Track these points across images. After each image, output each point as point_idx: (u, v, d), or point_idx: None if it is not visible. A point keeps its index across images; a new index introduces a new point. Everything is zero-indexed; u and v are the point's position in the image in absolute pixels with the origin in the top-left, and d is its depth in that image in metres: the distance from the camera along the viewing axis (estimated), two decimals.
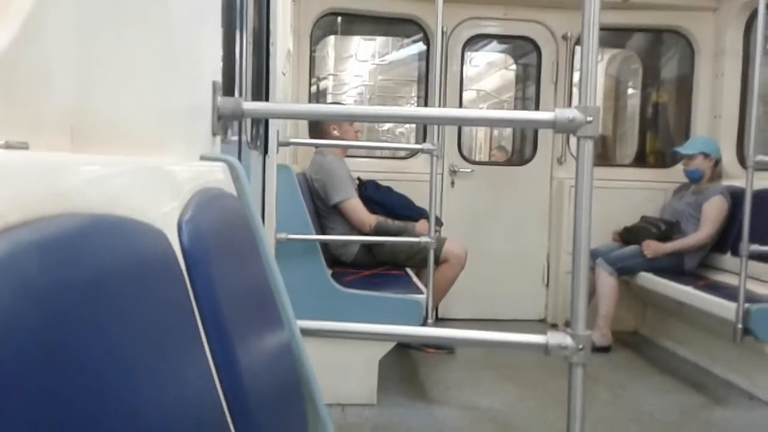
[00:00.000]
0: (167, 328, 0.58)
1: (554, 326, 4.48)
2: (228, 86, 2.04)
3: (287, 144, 2.99)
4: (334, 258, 3.67)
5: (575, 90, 4.56)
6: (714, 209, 3.85)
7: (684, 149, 4.05)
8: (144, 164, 0.69)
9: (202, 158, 1.14)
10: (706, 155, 3.96)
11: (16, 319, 0.34)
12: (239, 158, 2.34)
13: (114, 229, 0.51)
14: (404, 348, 3.74)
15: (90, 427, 0.40)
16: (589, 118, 1.14)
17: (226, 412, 0.74)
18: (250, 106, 1.27)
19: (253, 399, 0.83)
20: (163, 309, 0.58)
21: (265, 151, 2.64)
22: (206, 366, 0.69)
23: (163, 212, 0.67)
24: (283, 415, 1.03)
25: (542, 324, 4.59)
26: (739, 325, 3.02)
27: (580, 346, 1.16)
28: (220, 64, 1.32)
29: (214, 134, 1.26)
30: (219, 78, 1.30)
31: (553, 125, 1.16)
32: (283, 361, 1.12)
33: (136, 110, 0.78)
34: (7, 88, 0.47)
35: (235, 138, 2.20)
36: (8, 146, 0.44)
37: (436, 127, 3.44)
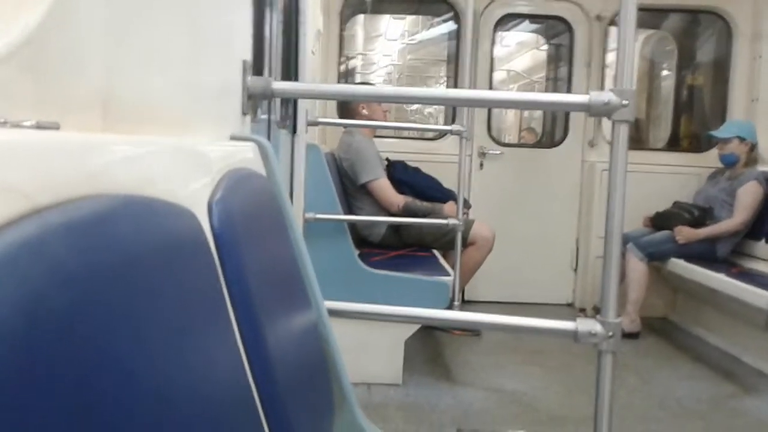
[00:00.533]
0: (197, 310, 0.58)
1: (582, 311, 4.45)
2: (257, 65, 2.03)
3: (316, 123, 2.99)
4: (361, 238, 3.67)
5: (608, 72, 4.47)
6: (749, 195, 3.77)
7: (719, 133, 3.96)
8: (174, 144, 0.69)
9: (232, 138, 1.13)
10: (741, 139, 3.87)
11: (45, 302, 0.34)
12: (268, 137, 2.35)
13: (144, 210, 0.51)
14: (430, 329, 3.74)
15: (118, 409, 0.40)
16: (625, 102, 1.12)
17: (255, 393, 0.74)
18: (280, 86, 1.26)
19: (281, 380, 0.83)
20: (192, 291, 0.58)
21: (294, 131, 2.64)
22: (235, 347, 0.69)
23: (193, 193, 0.67)
24: (310, 395, 1.03)
25: (570, 308, 4.56)
26: None
27: (610, 334, 1.14)
28: (251, 43, 1.31)
29: (243, 114, 1.26)
30: (249, 57, 1.30)
31: (588, 108, 1.13)
32: (311, 342, 1.13)
33: (167, 90, 0.78)
34: (38, 68, 0.47)
35: (264, 117, 2.20)
36: (39, 126, 0.44)
37: (465, 109, 3.41)
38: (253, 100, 1.36)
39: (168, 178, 0.60)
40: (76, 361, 0.36)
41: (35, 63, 0.46)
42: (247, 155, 1.08)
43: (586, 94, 1.14)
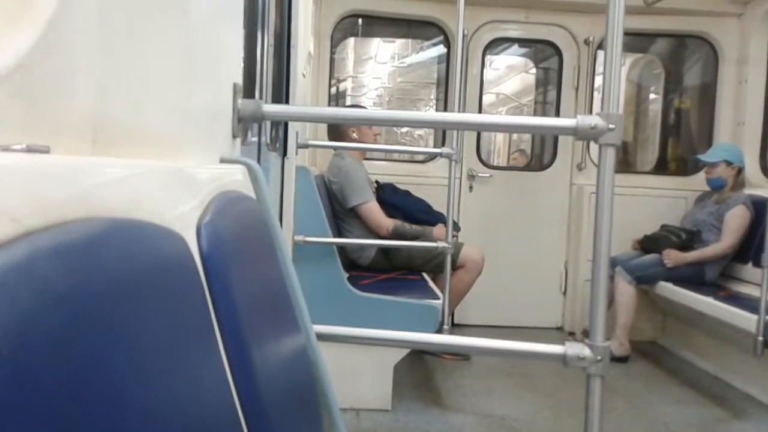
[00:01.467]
0: (184, 333, 0.58)
1: (571, 334, 4.45)
2: (248, 88, 2.04)
3: (306, 146, 3.00)
4: (351, 261, 3.67)
5: (596, 95, 4.52)
6: (736, 219, 3.80)
7: (706, 157, 4.00)
8: (163, 167, 0.69)
9: (222, 161, 1.13)
10: (728, 163, 3.91)
11: (35, 325, 0.34)
12: (258, 160, 2.35)
13: (133, 233, 0.50)
14: (419, 354, 3.73)
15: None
16: (612, 126, 1.13)
17: (241, 417, 0.73)
18: (271, 108, 1.26)
19: (268, 404, 0.83)
20: (180, 314, 0.58)
21: (284, 153, 2.64)
22: (222, 371, 0.69)
23: (182, 216, 0.67)
24: (298, 421, 1.02)
25: (559, 332, 4.56)
26: (760, 338, 2.98)
27: (599, 358, 1.14)
28: (241, 65, 1.32)
29: (234, 136, 1.26)
30: (240, 80, 1.30)
31: (575, 132, 1.14)
32: (299, 367, 1.12)
33: (157, 113, 0.78)
34: (29, 92, 0.47)
35: (255, 139, 2.20)
36: (30, 150, 0.44)
37: (455, 132, 3.43)
38: (243, 123, 1.36)
39: (157, 200, 0.59)
40: (65, 384, 0.36)
41: (26, 87, 0.47)
42: (236, 178, 1.08)
43: (573, 118, 1.15)
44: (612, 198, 1.16)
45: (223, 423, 0.68)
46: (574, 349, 1.16)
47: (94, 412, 0.40)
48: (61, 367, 0.37)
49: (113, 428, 0.42)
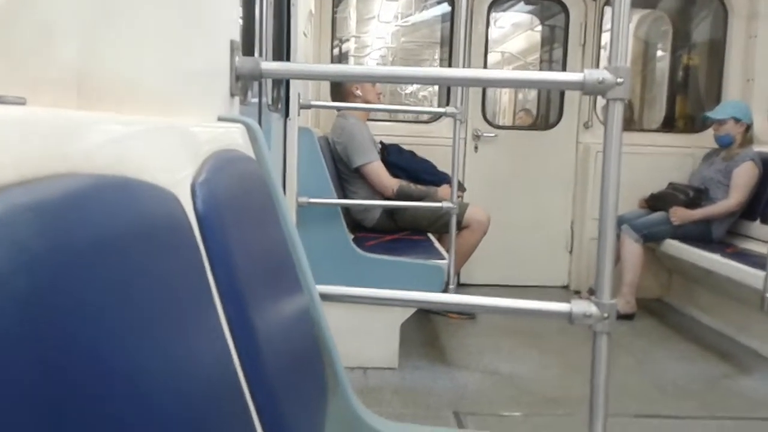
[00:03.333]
0: (178, 294, 0.56)
1: (577, 293, 4.45)
2: (248, 48, 2.00)
3: (308, 107, 2.96)
4: (356, 223, 3.65)
5: (603, 52, 4.44)
6: (744, 176, 3.76)
7: (714, 114, 3.95)
8: (155, 123, 0.67)
9: (220, 120, 1.11)
10: (737, 120, 3.85)
11: (6, 286, 0.32)
12: (259, 121, 2.32)
13: (120, 190, 0.48)
14: (426, 313, 3.74)
15: (90, 404, 0.38)
16: (620, 80, 1.09)
17: (243, 381, 0.72)
18: (269, 66, 1.23)
19: (270, 365, 0.82)
20: (174, 274, 0.56)
21: (286, 114, 2.61)
22: (220, 333, 0.67)
23: (175, 174, 0.65)
24: (302, 381, 1.02)
25: (565, 290, 4.56)
26: (766, 294, 2.96)
27: (605, 315, 1.13)
28: (239, 22, 1.28)
29: (232, 95, 1.24)
30: (237, 37, 1.27)
31: (582, 87, 1.11)
32: (302, 327, 1.11)
33: (148, 68, 0.76)
34: (3, 42, 0.45)
35: (255, 100, 2.17)
36: (3, 101, 0.42)
37: (459, 90, 3.38)
38: (242, 82, 1.33)
39: (146, 157, 0.57)
40: (42, 350, 0.34)
41: (1, 37, 0.44)
42: (235, 137, 1.06)
43: (580, 72, 1.12)
44: (619, 154, 1.14)
45: (224, 388, 0.66)
46: (581, 306, 1.15)
47: (74, 382, 0.37)
48: (37, 333, 0.35)
49: (97, 400, 0.40)
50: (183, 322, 0.55)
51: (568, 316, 1.15)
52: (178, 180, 0.65)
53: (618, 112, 1.11)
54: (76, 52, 0.55)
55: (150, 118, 0.67)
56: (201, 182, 0.70)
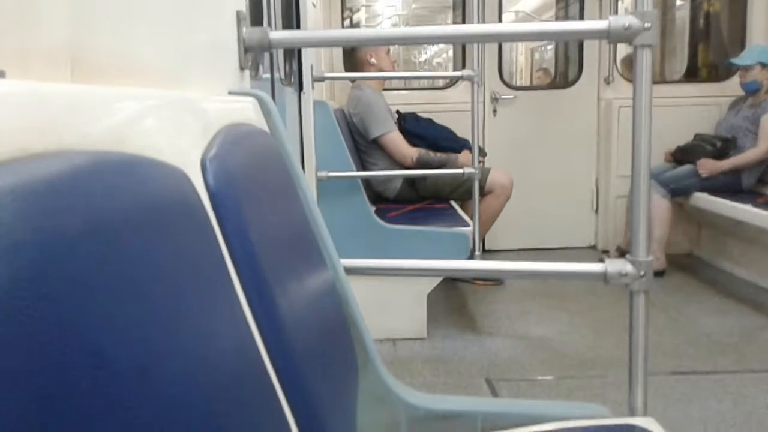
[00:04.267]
0: (193, 276, 0.52)
1: (605, 252, 4.39)
2: (257, 20, 1.96)
3: (322, 79, 2.91)
4: (377, 194, 3.62)
5: (621, 4, 4.31)
6: None
7: (740, 60, 3.82)
8: (158, 97, 0.63)
9: (230, 94, 1.07)
10: (764, 65, 3.73)
11: None
12: (273, 97, 2.28)
13: (120, 168, 0.44)
14: (452, 282, 3.71)
15: (95, 395, 0.34)
16: (647, 24, 1.03)
17: (267, 361, 0.69)
18: (278, 35, 1.19)
19: (295, 345, 0.79)
20: (186, 255, 0.52)
21: (300, 88, 2.56)
22: (241, 315, 0.64)
23: (182, 150, 0.60)
24: (330, 358, 0.99)
25: (592, 251, 4.50)
26: None
27: (642, 273, 1.08)
28: None
29: (241, 68, 1.20)
30: (244, 8, 1.22)
31: (608, 35, 1.05)
32: (328, 303, 1.08)
33: (148, 42, 0.71)
34: None
35: (267, 76, 2.13)
36: None
37: (475, 53, 3.30)
38: (252, 55, 1.29)
39: (149, 133, 0.53)
40: (34, 347, 0.31)
41: None
42: (246, 111, 1.02)
43: (605, 20, 1.06)
44: (650, 104, 1.08)
45: (249, 371, 0.63)
46: (615, 265, 1.10)
47: (72, 379, 0.34)
48: (24, 327, 0.31)
49: (100, 397, 0.36)
50: (199, 306, 0.52)
51: (603, 277, 1.11)
52: (186, 155, 0.61)
53: (647, 58, 1.06)
54: (66, 24, 0.51)
55: (152, 92, 0.64)
56: (211, 157, 0.67)
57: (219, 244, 0.63)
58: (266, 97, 1.12)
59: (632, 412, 1.15)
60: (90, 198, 0.38)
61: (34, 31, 0.47)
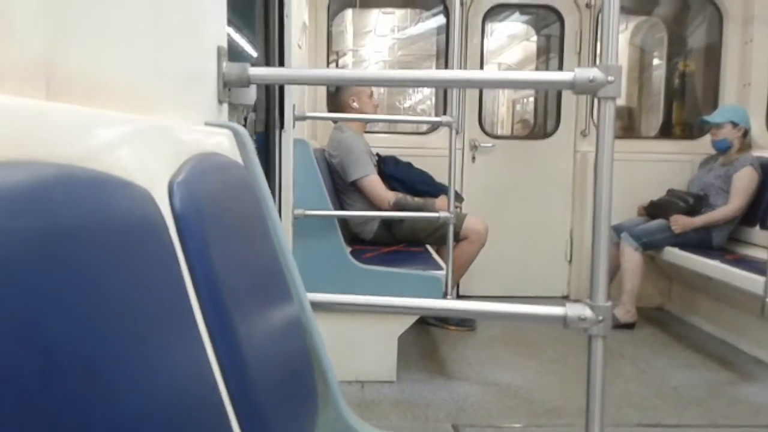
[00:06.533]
0: (151, 296, 0.53)
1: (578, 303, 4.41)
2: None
3: (303, 118, 2.95)
4: (354, 235, 3.64)
5: (599, 61, 4.43)
6: (744, 180, 3.74)
7: (712, 118, 3.94)
8: (131, 120, 0.64)
9: (207, 125, 1.10)
10: (734, 124, 3.84)
11: None
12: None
13: (85, 182, 0.45)
14: (424, 325, 3.71)
15: (40, 404, 0.35)
16: (611, 78, 1.08)
17: (223, 391, 0.69)
18: (258, 72, 1.22)
19: (255, 377, 0.79)
20: (145, 275, 0.53)
21: (281, 126, 2.60)
22: (198, 337, 0.64)
23: (150, 172, 0.62)
24: (290, 392, 0.99)
25: (565, 301, 4.53)
26: (767, 299, 2.94)
27: (600, 318, 1.11)
28: (225, 29, 1.27)
29: (220, 102, 1.22)
30: (224, 43, 1.26)
31: (572, 86, 1.10)
32: (292, 337, 1.09)
33: (128, 66, 0.73)
34: None
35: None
36: None
37: (455, 100, 3.37)
38: (231, 89, 1.32)
39: (118, 153, 0.54)
40: None
41: None
42: (221, 142, 1.04)
43: (571, 72, 1.10)
44: (612, 154, 1.12)
45: (203, 401, 0.62)
46: (575, 310, 1.12)
47: (21, 387, 0.34)
48: None
49: (55, 416, 0.37)
50: (154, 323, 0.52)
51: (563, 320, 1.13)
52: (153, 178, 0.62)
53: (610, 110, 1.10)
54: (42, 41, 0.53)
55: (125, 115, 0.65)
56: (180, 181, 0.68)
57: (180, 267, 0.64)
58: (241, 129, 1.14)
59: None
60: (52, 206, 0.39)
61: (8, 46, 0.48)
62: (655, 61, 5.28)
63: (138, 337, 0.49)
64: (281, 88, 2.53)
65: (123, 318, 0.47)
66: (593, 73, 1.08)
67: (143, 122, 0.69)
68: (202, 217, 0.73)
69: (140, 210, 0.54)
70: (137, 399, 0.47)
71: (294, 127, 2.73)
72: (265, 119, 2.56)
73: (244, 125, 2.62)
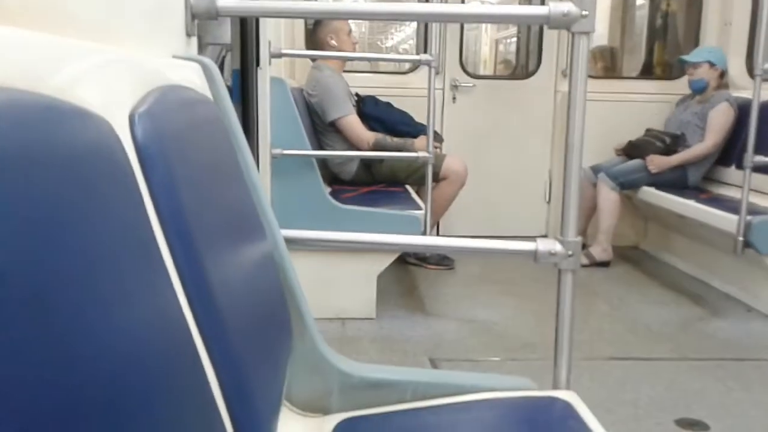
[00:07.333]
0: (108, 229, 0.51)
1: None
2: None
3: (279, 55, 2.90)
4: (333, 176, 3.63)
5: None
6: (720, 117, 3.76)
7: (689, 57, 3.93)
8: (88, 46, 0.62)
9: (174, 58, 1.07)
10: (711, 64, 3.84)
11: None
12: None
13: (34, 108, 0.44)
14: (404, 264, 3.75)
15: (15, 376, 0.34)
16: (585, 12, 1.07)
17: (192, 322, 0.69)
18: (227, 3, 1.19)
19: (225, 308, 0.79)
20: (104, 206, 0.51)
21: (257, 63, 2.55)
22: (164, 272, 0.64)
23: (108, 100, 0.60)
24: (264, 327, 1.00)
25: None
26: (740, 238, 3.00)
27: (570, 252, 1.12)
28: None
29: (188, 35, 1.20)
30: None
31: (547, 20, 1.09)
32: (264, 271, 1.09)
33: None
34: None
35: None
36: None
37: (434, 40, 3.32)
38: (201, 22, 1.29)
39: (72, 79, 0.53)
40: None
41: None
42: (188, 75, 1.03)
43: (545, 6, 1.09)
44: (585, 90, 1.12)
45: (173, 338, 0.61)
46: (546, 245, 1.14)
47: None
48: None
49: (17, 367, 0.35)
50: (113, 256, 0.51)
51: (534, 255, 1.15)
52: (112, 108, 0.60)
53: (584, 46, 1.09)
54: None
55: (81, 42, 0.63)
56: (142, 112, 0.67)
57: (143, 200, 0.63)
58: (211, 63, 1.12)
59: (556, 386, 1.20)
60: None
61: None
62: (639, 2, 5.22)
63: (94, 274, 0.47)
64: (257, 24, 2.47)
65: (76, 252, 0.45)
66: (567, 6, 1.06)
67: (102, 51, 0.67)
68: (167, 150, 0.72)
69: (96, 139, 0.53)
70: (96, 339, 0.45)
71: (270, 64, 2.69)
72: (240, 56, 2.51)
73: (223, 62, 2.57)
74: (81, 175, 0.49)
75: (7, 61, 0.45)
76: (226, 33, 2.21)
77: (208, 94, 1.11)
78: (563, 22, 1.09)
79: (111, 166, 0.56)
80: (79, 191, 0.48)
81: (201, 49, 1.50)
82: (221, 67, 2.52)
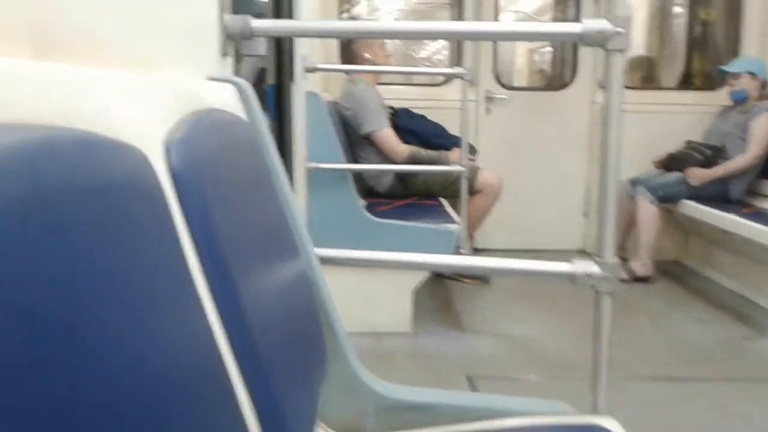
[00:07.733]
0: (142, 260, 0.52)
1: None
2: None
3: (314, 70, 2.91)
4: (368, 189, 3.64)
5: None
6: (762, 128, 3.67)
7: (730, 67, 3.85)
8: (120, 75, 0.63)
9: (209, 80, 1.08)
10: (752, 75, 3.75)
11: None
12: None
13: (69, 143, 0.44)
14: (440, 279, 3.73)
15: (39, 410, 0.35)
16: (620, 29, 1.05)
17: (227, 351, 0.69)
18: (261, 24, 1.20)
19: (258, 330, 0.79)
20: (137, 237, 0.52)
21: (291, 78, 2.57)
22: (197, 298, 0.64)
23: (143, 130, 0.60)
24: (297, 347, 1.00)
25: (581, 254, 4.51)
26: None
27: (607, 274, 1.10)
28: None
29: (223, 55, 1.21)
30: None
31: (581, 38, 1.07)
32: (298, 291, 1.09)
33: (118, 19, 0.72)
34: None
35: None
36: None
37: (468, 52, 3.32)
38: (234, 42, 1.30)
39: (107, 111, 0.53)
40: None
41: None
42: (224, 97, 1.03)
43: (579, 23, 1.07)
44: (620, 107, 1.10)
45: (205, 362, 0.62)
46: (582, 266, 1.12)
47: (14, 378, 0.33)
48: None
49: (32, 361, 0.36)
50: (147, 286, 0.52)
51: (571, 277, 1.12)
52: (146, 137, 0.61)
53: (618, 63, 1.07)
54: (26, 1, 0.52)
55: (115, 71, 0.64)
56: (177, 139, 0.67)
57: (177, 228, 0.63)
58: (245, 83, 1.13)
59: (594, 411, 1.17)
60: (35, 167, 0.38)
61: None
62: (676, 10, 5.14)
63: (129, 300, 0.48)
64: (291, 39, 2.49)
65: (112, 280, 0.46)
66: (602, 24, 1.05)
67: (134, 78, 0.67)
68: (201, 176, 0.72)
69: (131, 170, 0.53)
70: (130, 363, 0.46)
71: (304, 79, 2.71)
72: (276, 71, 2.53)
73: (260, 76, 2.59)
74: (115, 207, 0.49)
75: (39, 94, 0.45)
76: (261, 45, 2.23)
77: (243, 114, 1.11)
78: (597, 40, 1.07)
79: (145, 195, 0.56)
80: (114, 223, 0.49)
81: (237, 59, 1.52)
82: (261, 78, 2.54)
